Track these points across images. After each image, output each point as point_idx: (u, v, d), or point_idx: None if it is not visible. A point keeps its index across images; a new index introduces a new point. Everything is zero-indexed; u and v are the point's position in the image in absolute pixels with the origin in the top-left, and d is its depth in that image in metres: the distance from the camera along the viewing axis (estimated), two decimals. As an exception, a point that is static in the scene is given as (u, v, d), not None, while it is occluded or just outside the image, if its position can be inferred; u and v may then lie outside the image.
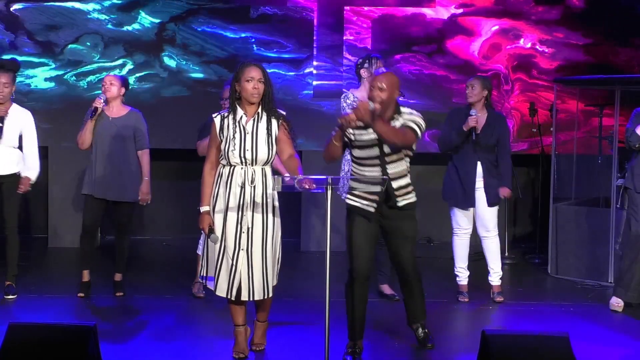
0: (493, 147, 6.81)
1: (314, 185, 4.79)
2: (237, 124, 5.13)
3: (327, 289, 4.75)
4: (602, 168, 8.27)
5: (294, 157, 5.18)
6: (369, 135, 5.22)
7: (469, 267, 7.04)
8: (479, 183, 6.78)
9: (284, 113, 5.24)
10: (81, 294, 6.79)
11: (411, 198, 5.42)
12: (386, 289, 6.87)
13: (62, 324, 4.56)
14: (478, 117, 6.66)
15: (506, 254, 8.61)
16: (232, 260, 5.13)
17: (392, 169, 5.30)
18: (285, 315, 6.24)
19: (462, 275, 6.99)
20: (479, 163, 6.78)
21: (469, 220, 6.89)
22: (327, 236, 4.74)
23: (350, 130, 5.24)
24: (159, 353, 5.47)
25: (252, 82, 5.09)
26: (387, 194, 5.29)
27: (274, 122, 5.18)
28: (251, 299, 5.19)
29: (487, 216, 6.85)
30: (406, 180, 5.40)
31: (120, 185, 6.73)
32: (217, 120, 5.19)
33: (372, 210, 5.34)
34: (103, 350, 4.40)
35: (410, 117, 5.29)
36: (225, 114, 5.19)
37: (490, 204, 6.81)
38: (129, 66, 9.19)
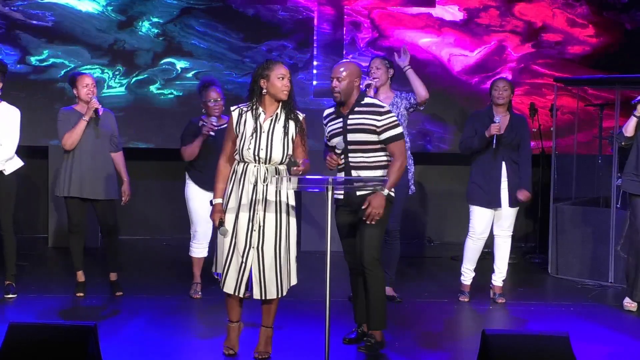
0: (517, 147, 6.79)
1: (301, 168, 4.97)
2: (255, 121, 5.12)
3: (327, 289, 4.75)
4: (602, 168, 8.28)
5: (304, 162, 5.18)
6: (335, 124, 5.42)
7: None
8: (504, 184, 6.76)
9: (303, 116, 5.24)
10: (80, 294, 6.80)
11: (371, 191, 5.28)
12: (388, 290, 6.86)
13: (62, 324, 4.56)
14: (500, 125, 6.60)
15: (506, 254, 8.61)
16: (242, 257, 5.11)
17: (354, 159, 5.35)
18: (286, 315, 6.23)
19: (467, 275, 6.98)
20: (503, 163, 6.75)
21: (487, 225, 6.84)
22: (327, 236, 4.74)
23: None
24: (159, 353, 5.47)
25: (285, 79, 5.10)
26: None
27: (291, 123, 5.17)
28: (263, 297, 5.18)
29: (507, 216, 6.82)
30: (371, 173, 5.32)
31: (104, 183, 6.74)
32: (235, 113, 5.17)
33: (341, 197, 5.41)
34: (103, 350, 4.40)
35: (386, 121, 5.34)
36: (244, 109, 5.17)
37: (513, 205, 6.80)
38: (129, 67, 9.19)
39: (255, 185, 5.11)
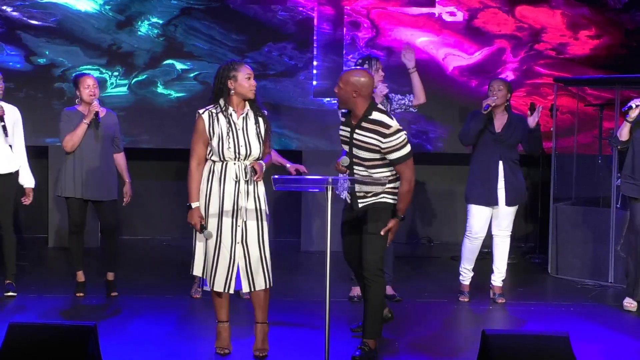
0: (515, 146, 6.80)
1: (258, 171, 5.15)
2: (228, 120, 5.18)
3: (327, 289, 4.75)
4: (602, 168, 8.28)
5: (261, 166, 5.28)
6: (344, 132, 5.34)
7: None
8: (501, 183, 6.76)
9: (266, 112, 5.36)
10: (80, 294, 6.80)
11: (374, 201, 5.27)
12: (387, 289, 6.87)
13: (62, 324, 4.56)
14: (497, 101, 6.64)
15: (506, 254, 8.61)
16: (230, 253, 5.17)
17: (359, 172, 5.25)
18: (285, 315, 6.24)
19: (466, 275, 6.98)
20: (500, 162, 6.76)
21: (484, 224, 6.85)
22: (327, 236, 4.74)
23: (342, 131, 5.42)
24: (159, 353, 5.48)
25: (251, 79, 5.21)
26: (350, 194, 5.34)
27: (260, 119, 5.28)
28: (253, 289, 5.23)
29: (505, 215, 6.82)
30: (374, 188, 5.20)
31: (106, 185, 6.75)
32: (205, 116, 5.21)
33: (346, 198, 5.43)
34: (103, 350, 4.40)
35: (391, 143, 5.14)
36: (214, 111, 5.22)
37: (509, 203, 6.80)
38: (129, 68, 9.18)
39: (238, 182, 5.18)
